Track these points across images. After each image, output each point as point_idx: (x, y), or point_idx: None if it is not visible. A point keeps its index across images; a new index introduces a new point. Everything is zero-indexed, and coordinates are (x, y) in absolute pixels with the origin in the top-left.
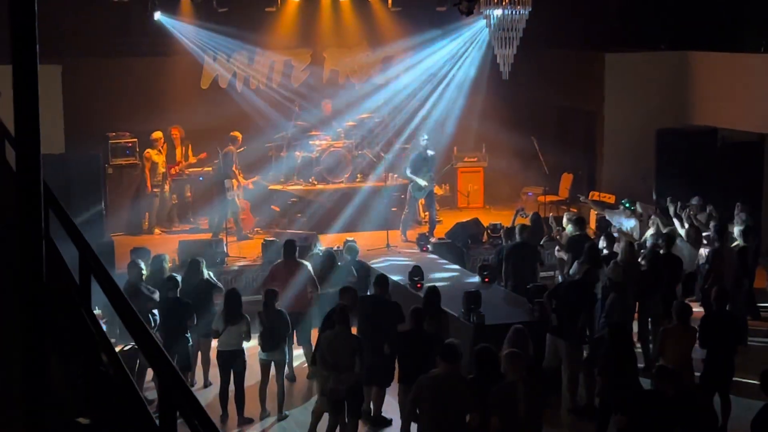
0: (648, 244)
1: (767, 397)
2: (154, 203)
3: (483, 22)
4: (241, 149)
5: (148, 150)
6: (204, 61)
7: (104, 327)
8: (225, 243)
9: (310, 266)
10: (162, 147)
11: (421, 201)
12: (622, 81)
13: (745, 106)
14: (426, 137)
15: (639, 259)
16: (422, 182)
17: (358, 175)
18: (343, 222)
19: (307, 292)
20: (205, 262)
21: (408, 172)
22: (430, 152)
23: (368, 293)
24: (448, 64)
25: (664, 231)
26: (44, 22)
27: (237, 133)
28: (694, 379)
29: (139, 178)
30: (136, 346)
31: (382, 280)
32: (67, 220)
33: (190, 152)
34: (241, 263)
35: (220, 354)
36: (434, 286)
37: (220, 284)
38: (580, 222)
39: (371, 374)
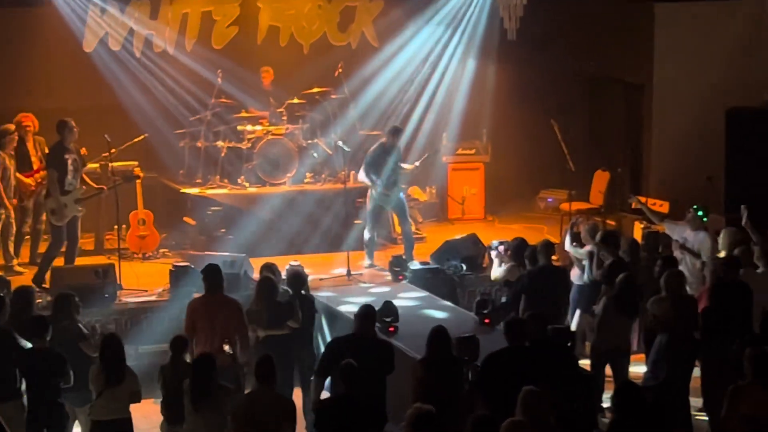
0: (709, 269)
1: None
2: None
3: None
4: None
5: None
6: (87, 15)
7: None
8: (117, 270)
9: (240, 305)
10: (14, 146)
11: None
12: (678, 42)
13: None
14: (395, 126)
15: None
16: (378, 190)
17: (308, 175)
18: (286, 240)
19: (235, 340)
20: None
21: (364, 173)
22: (397, 144)
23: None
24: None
25: (733, 251)
26: None
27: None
28: None
29: None
30: None
31: (366, 313)
32: None
33: (44, 150)
34: (140, 298)
35: (97, 425)
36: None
37: (87, 331)
38: (612, 241)
39: None
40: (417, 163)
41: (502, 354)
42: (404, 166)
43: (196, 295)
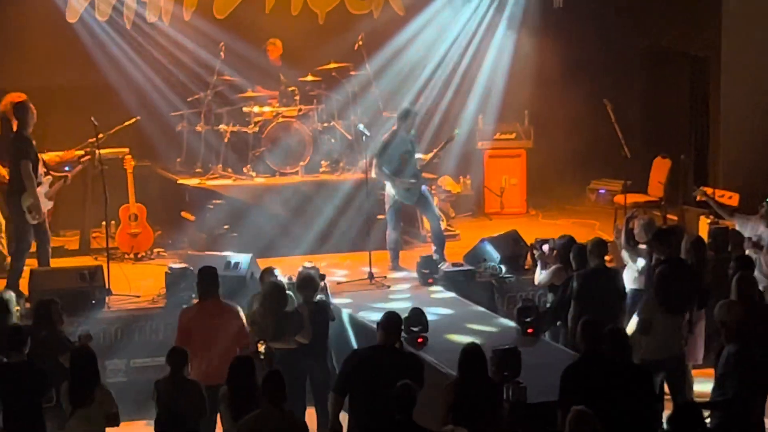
0: None
1: None
2: None
3: None
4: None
5: None
6: None
7: None
8: (105, 272)
9: (241, 311)
10: None
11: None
12: (749, 7)
13: None
14: (406, 108)
15: None
16: (395, 184)
17: (323, 163)
18: (299, 238)
19: (236, 354)
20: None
21: (376, 167)
22: (411, 130)
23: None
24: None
25: None
26: None
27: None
28: None
29: None
30: None
31: (390, 321)
32: None
33: None
34: (132, 305)
35: None
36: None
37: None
38: (665, 239)
39: None
40: (436, 151)
41: (580, 364)
42: (420, 155)
43: (194, 302)
